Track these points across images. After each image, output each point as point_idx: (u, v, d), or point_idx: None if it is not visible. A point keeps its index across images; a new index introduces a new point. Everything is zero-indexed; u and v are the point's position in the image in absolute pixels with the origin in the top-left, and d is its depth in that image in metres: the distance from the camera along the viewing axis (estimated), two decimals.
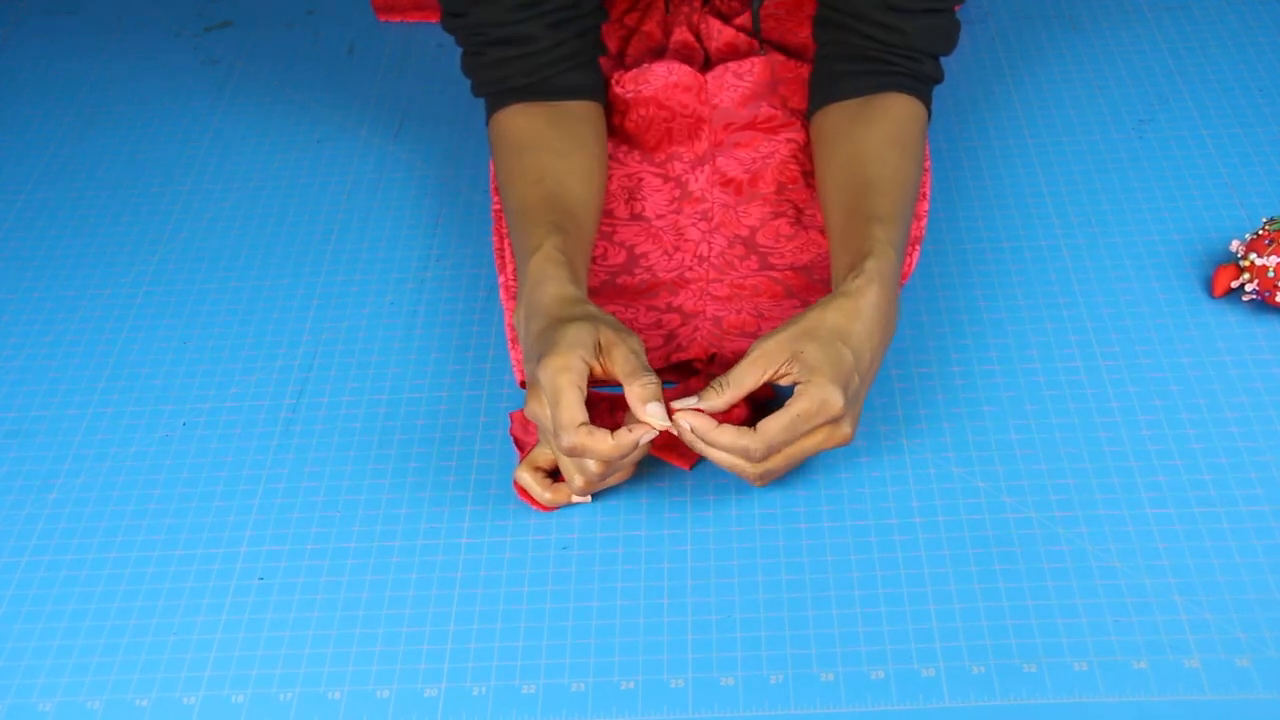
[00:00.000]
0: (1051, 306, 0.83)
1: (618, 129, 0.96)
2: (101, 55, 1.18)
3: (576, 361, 0.66)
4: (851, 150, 0.82)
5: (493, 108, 0.88)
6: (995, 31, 1.09)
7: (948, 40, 0.85)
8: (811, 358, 0.66)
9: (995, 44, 1.08)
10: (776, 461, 0.67)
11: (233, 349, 0.87)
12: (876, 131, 0.82)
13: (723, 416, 0.69)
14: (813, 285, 0.85)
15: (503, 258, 0.89)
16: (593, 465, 0.69)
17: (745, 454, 0.66)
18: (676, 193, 0.93)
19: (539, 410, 0.68)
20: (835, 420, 0.67)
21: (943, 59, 0.87)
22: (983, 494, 0.73)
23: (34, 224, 1.00)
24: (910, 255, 0.87)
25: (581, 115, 0.88)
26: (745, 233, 0.89)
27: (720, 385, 0.67)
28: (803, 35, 1.02)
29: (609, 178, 0.93)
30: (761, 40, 1.01)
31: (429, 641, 0.68)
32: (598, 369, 0.68)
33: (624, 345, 0.68)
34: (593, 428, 0.65)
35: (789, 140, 0.94)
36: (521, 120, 0.86)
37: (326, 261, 0.93)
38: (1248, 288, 0.80)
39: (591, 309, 0.71)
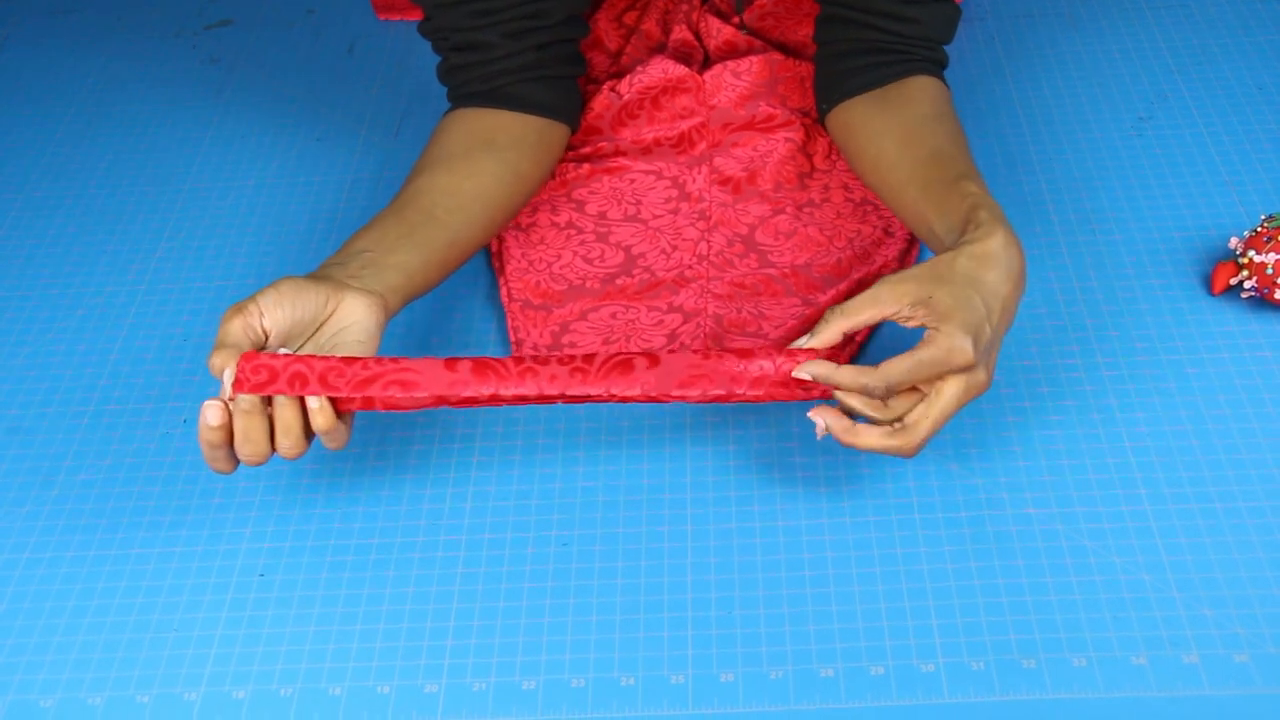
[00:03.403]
0: (1050, 304, 0.83)
1: (614, 130, 0.96)
2: (101, 55, 1.18)
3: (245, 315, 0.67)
4: (902, 130, 0.81)
5: (448, 109, 0.88)
6: (995, 30, 1.09)
7: (952, 27, 0.85)
8: (942, 303, 0.65)
9: (995, 42, 1.08)
10: (922, 424, 0.65)
11: None
12: (916, 110, 0.81)
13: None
14: (813, 283, 0.85)
15: (501, 259, 0.89)
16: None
17: (865, 390, 0.65)
18: (674, 193, 0.93)
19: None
20: (968, 369, 0.65)
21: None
22: (981, 491, 0.73)
23: (34, 224, 1.00)
24: (911, 254, 0.87)
25: (517, 136, 0.86)
26: (744, 231, 0.89)
27: (834, 312, 0.66)
28: (801, 33, 1.02)
29: (599, 177, 0.93)
30: (746, 30, 1.01)
31: (429, 637, 0.69)
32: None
33: (242, 317, 0.67)
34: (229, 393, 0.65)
35: (787, 140, 0.94)
36: (455, 128, 0.85)
37: None
38: (1246, 285, 0.80)
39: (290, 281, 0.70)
